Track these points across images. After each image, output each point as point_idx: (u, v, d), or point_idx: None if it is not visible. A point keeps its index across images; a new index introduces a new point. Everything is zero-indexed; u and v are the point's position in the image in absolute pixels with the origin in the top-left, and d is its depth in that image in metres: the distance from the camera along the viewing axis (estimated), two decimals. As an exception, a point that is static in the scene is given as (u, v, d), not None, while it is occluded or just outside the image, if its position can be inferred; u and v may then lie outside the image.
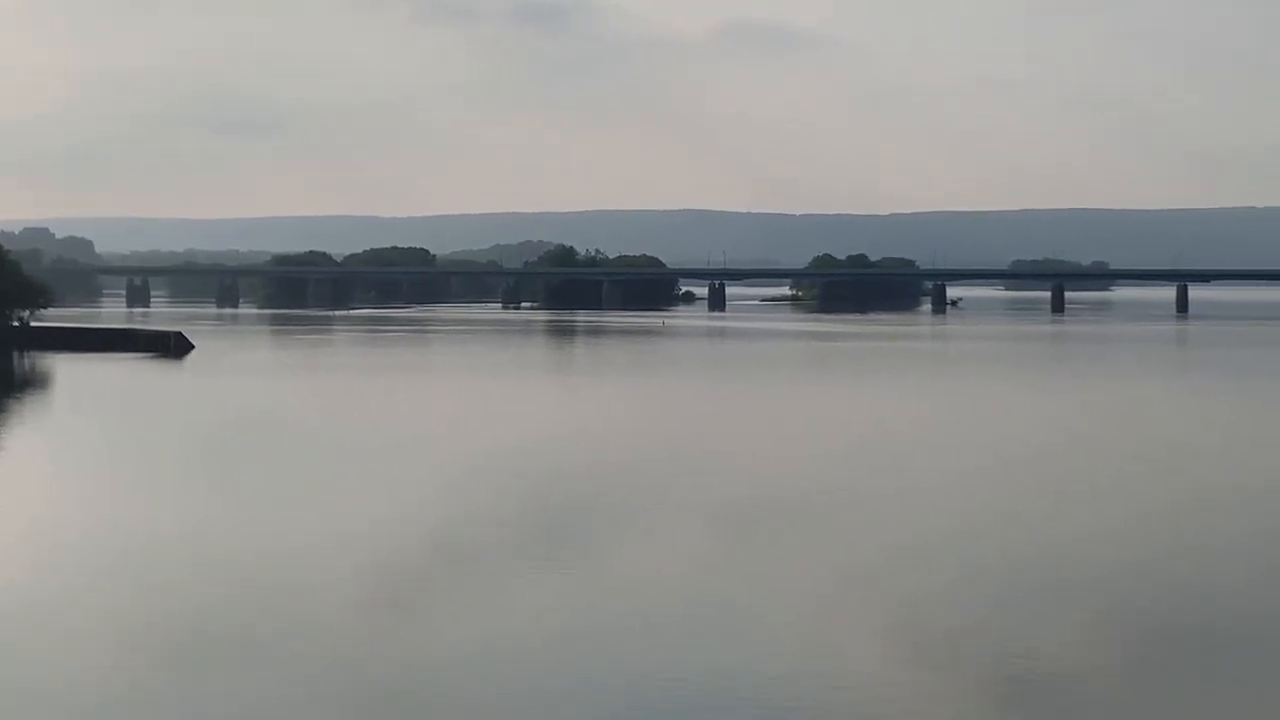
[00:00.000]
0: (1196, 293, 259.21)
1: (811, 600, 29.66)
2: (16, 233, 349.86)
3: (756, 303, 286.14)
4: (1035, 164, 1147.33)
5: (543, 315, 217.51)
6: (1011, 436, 60.71)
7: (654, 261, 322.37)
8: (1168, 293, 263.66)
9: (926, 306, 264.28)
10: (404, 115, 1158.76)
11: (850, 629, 27.52)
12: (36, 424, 65.93)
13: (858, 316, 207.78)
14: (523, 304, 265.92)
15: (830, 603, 29.58)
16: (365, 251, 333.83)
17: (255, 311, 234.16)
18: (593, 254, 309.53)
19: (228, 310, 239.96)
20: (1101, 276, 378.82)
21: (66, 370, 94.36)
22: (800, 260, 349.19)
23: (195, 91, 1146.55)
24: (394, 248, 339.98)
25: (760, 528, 37.99)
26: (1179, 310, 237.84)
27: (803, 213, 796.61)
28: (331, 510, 40.53)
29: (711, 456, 53.31)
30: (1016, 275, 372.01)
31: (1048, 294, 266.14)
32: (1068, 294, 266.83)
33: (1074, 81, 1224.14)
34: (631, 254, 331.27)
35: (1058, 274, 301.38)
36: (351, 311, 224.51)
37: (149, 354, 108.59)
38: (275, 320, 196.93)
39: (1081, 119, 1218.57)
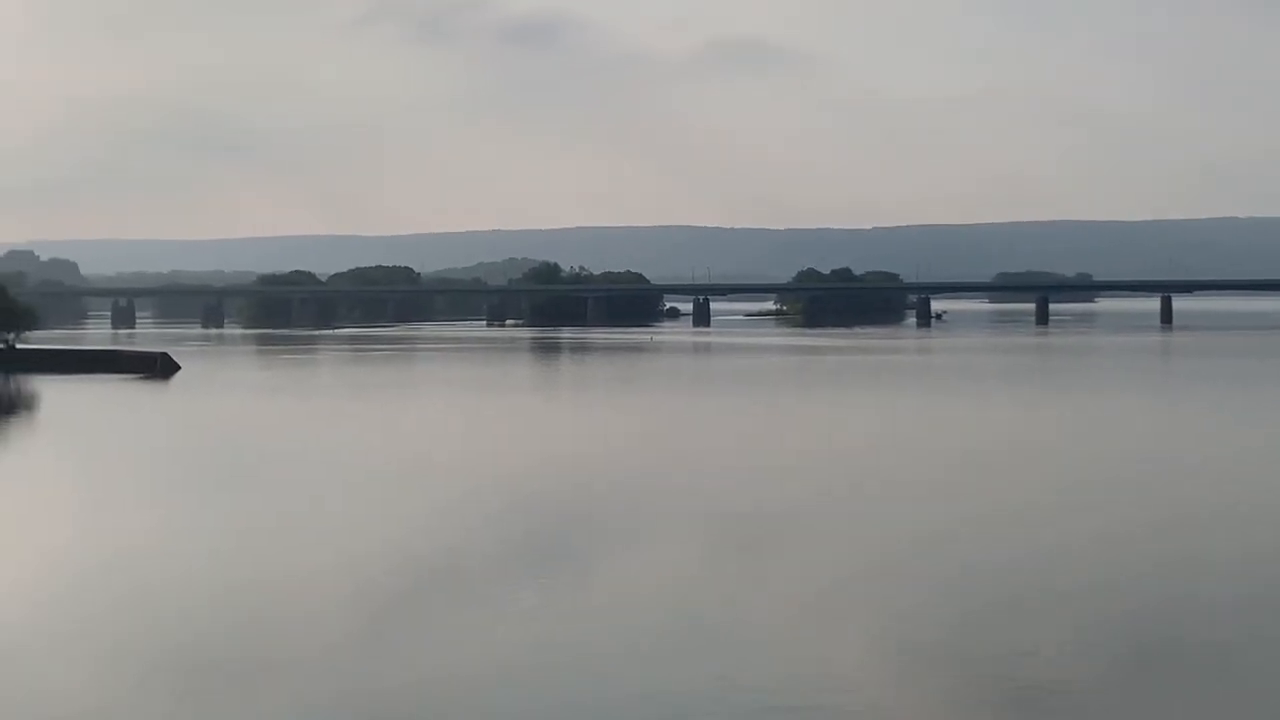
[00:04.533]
0: (1181, 303, 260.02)
1: (803, 616, 29.82)
2: (1, 255, 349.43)
3: (741, 318, 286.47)
4: (1019, 176, 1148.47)
5: (527, 332, 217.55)
6: (995, 450, 60.93)
7: (638, 278, 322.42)
8: (1152, 304, 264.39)
9: (911, 320, 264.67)
10: (389, 134, 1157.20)
11: (842, 642, 27.69)
12: (24, 447, 65.92)
13: (843, 331, 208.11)
14: (507, 321, 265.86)
15: (821, 617, 29.74)
16: (350, 271, 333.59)
17: (241, 331, 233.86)
18: (577, 271, 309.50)
19: (213, 330, 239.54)
20: (1086, 288, 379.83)
21: (53, 392, 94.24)
22: (784, 275, 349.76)
23: (179, 112, 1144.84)
24: (378, 266, 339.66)
25: (751, 544, 38.14)
26: (1163, 321, 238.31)
27: (786, 227, 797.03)
28: (325, 530, 40.62)
29: (701, 473, 53.43)
30: (1001, 288, 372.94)
31: (1032, 306, 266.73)
32: (1052, 306, 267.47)
33: (1057, 93, 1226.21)
34: (616, 270, 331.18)
35: (1042, 286, 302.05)
36: (336, 331, 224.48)
37: (135, 375, 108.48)
38: (261, 340, 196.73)
39: (1065, 131, 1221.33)
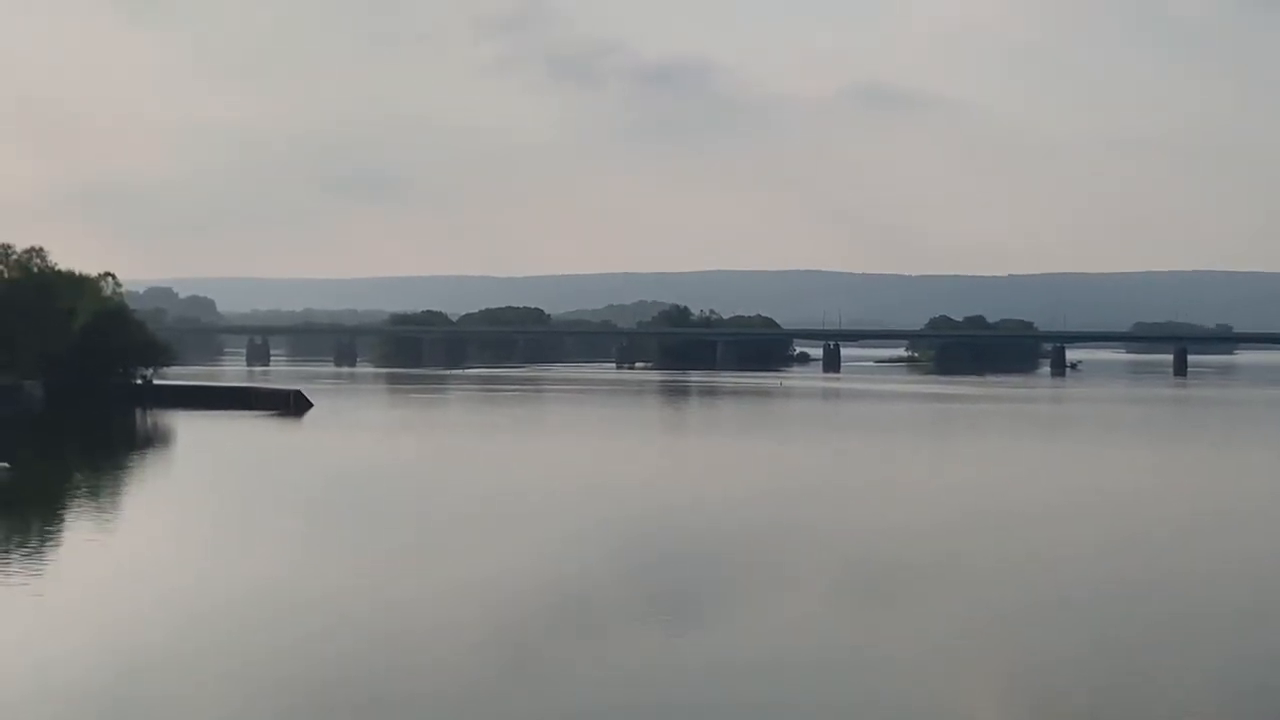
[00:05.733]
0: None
1: (932, 664, 28.81)
2: (141, 292, 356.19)
3: (872, 364, 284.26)
4: (1157, 225, 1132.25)
5: (656, 375, 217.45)
6: (1139, 506, 59.22)
7: (768, 322, 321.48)
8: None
9: (1045, 369, 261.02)
10: (521, 176, 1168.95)
11: (973, 692, 26.65)
12: (160, 481, 66.57)
13: (975, 379, 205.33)
14: (636, 364, 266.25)
15: (950, 667, 28.69)
16: (480, 311, 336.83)
17: (372, 370, 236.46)
18: (707, 314, 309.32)
19: (345, 369, 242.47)
20: (1226, 340, 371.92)
21: (189, 427, 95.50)
22: (916, 322, 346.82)
23: (316, 153, 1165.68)
24: (509, 307, 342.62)
25: (881, 590, 37.13)
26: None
27: (919, 274, 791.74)
28: (454, 566, 40.30)
29: (835, 518, 52.42)
30: (1138, 338, 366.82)
31: (1170, 357, 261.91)
32: (1191, 357, 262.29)
33: (1198, 140, 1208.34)
34: (746, 314, 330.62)
35: (1180, 337, 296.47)
36: (466, 371, 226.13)
37: (269, 412, 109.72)
38: (392, 379, 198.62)
39: (1205, 179, 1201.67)
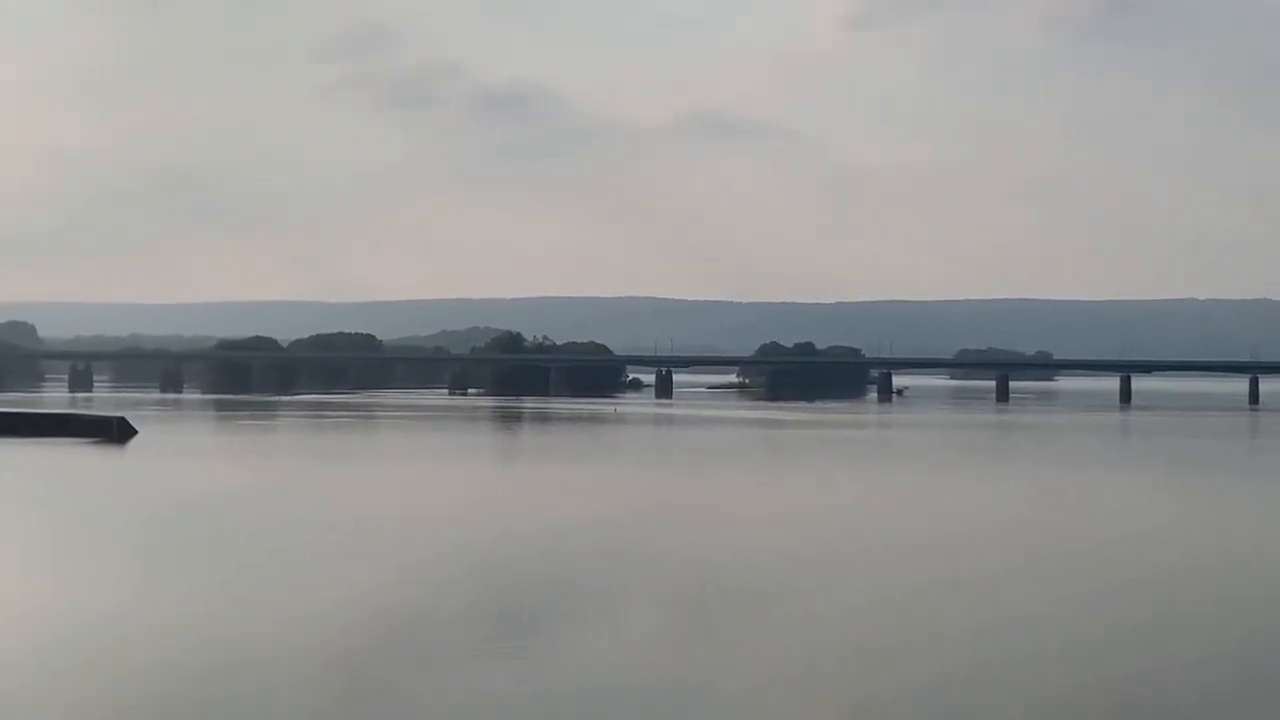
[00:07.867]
0: (1139, 383, 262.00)
1: (768, 688, 29.21)
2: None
3: (704, 390, 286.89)
4: (981, 254, 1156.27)
5: (489, 401, 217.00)
6: (958, 526, 60.54)
7: (601, 348, 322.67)
8: (1111, 383, 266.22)
9: (873, 395, 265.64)
10: (353, 201, 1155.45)
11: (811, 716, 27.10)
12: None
13: (804, 404, 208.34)
14: (469, 390, 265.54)
15: (787, 691, 29.12)
16: (311, 337, 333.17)
17: (199, 396, 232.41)
18: (540, 340, 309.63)
19: (171, 395, 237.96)
20: (1046, 366, 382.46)
21: (5, 455, 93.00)
22: (747, 348, 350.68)
23: (141, 175, 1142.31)
24: (340, 333, 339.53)
25: (715, 617, 37.51)
26: (1122, 400, 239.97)
27: (749, 301, 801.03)
28: (284, 596, 39.78)
29: (664, 545, 52.77)
30: (962, 364, 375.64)
31: (992, 383, 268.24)
32: (1012, 383, 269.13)
33: (1020, 172, 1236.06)
34: (579, 341, 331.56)
35: (1002, 364, 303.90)
36: (296, 397, 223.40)
37: (91, 439, 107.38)
38: (220, 405, 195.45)
39: (1027, 210, 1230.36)
